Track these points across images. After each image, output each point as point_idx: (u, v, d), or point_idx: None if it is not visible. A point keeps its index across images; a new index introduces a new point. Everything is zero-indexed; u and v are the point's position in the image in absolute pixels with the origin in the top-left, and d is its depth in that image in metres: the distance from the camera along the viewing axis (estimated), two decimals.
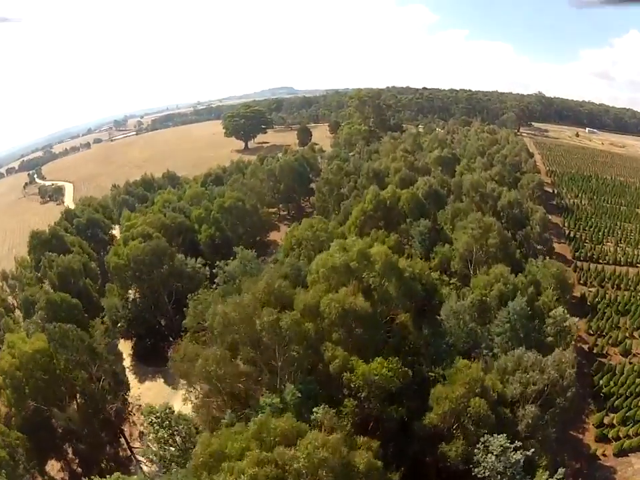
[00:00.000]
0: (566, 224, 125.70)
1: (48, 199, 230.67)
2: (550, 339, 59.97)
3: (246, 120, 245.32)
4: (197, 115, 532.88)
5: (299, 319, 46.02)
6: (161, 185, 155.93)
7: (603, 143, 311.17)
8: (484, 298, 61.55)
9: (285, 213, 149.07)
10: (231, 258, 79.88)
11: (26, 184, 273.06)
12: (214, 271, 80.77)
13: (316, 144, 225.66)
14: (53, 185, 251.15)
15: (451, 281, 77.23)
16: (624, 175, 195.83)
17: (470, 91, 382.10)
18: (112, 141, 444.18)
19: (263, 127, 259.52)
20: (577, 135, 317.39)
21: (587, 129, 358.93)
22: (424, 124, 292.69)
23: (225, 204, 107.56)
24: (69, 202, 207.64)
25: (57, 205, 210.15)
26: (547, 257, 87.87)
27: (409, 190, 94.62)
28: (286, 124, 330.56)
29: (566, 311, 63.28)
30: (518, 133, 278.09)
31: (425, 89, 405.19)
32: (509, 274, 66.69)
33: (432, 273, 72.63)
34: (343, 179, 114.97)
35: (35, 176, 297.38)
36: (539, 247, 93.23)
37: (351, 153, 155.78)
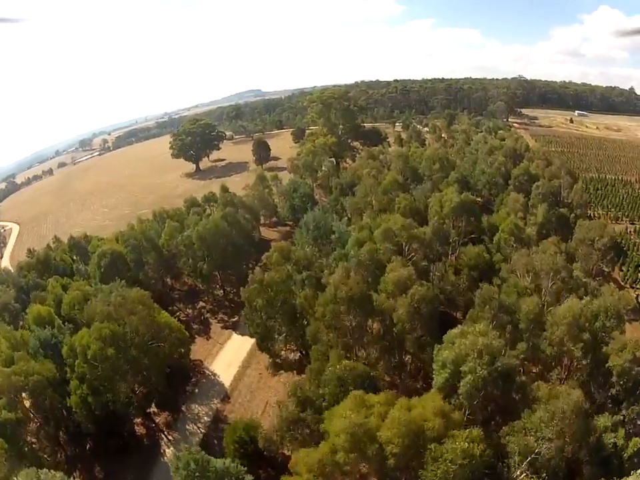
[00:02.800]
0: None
1: None
2: None
3: (193, 137, 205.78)
4: (159, 129, 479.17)
5: None
6: (64, 259, 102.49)
7: (598, 128, 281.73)
8: None
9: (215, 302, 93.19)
10: None
11: None
12: None
13: (276, 160, 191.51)
14: (3, 229, 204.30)
15: None
16: None
17: (450, 79, 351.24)
18: (74, 164, 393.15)
19: (215, 142, 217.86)
20: (571, 121, 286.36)
21: (576, 112, 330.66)
22: (401, 121, 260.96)
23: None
24: (7, 257, 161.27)
25: None
26: None
27: None
28: (246, 133, 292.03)
29: None
30: (509, 124, 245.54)
31: (396, 81, 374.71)
32: None
33: None
34: (290, 279, 66.59)
35: None
36: None
37: (318, 180, 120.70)
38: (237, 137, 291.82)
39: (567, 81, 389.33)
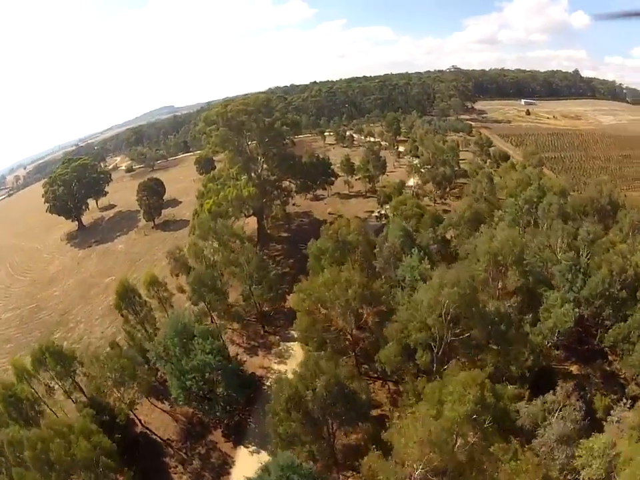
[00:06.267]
0: None
1: None
2: None
3: (68, 186, 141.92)
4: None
5: None
6: None
7: (555, 117, 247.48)
8: None
9: None
10: None
11: None
12: None
13: (175, 206, 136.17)
14: None
15: None
16: None
17: (385, 75, 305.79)
18: None
19: (98, 188, 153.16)
20: (528, 113, 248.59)
21: (522, 100, 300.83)
22: (332, 130, 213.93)
23: None
24: None
25: None
26: None
27: None
28: (147, 162, 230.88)
29: None
30: (469, 124, 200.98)
31: (314, 83, 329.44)
32: None
33: None
34: None
35: None
36: None
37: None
38: (137, 166, 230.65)
39: (504, 69, 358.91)
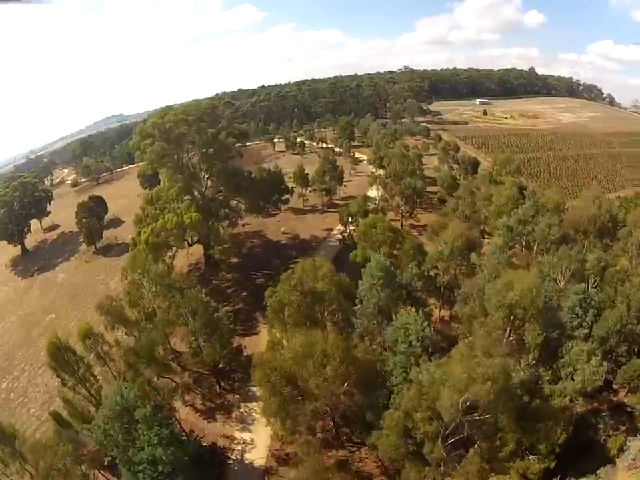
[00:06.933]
0: None
1: None
2: None
3: (9, 208, 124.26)
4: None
5: None
6: None
7: (513, 117, 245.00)
8: None
9: None
10: None
11: None
12: None
13: (117, 225, 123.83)
14: None
15: None
16: None
17: (335, 77, 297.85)
18: None
19: (40, 208, 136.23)
20: (485, 113, 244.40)
21: (477, 100, 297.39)
22: (282, 137, 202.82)
23: None
24: None
25: None
26: None
27: None
28: (91, 176, 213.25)
29: None
30: (427, 127, 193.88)
31: (263, 87, 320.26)
32: None
33: None
34: None
35: None
36: None
37: None
38: (82, 180, 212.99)
39: (457, 68, 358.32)
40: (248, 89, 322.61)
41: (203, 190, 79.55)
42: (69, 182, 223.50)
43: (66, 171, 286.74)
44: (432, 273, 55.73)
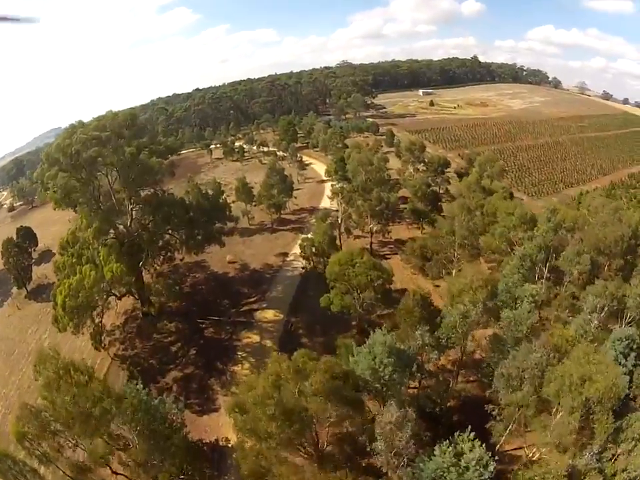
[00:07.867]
0: None
1: None
2: None
3: None
4: None
5: None
6: None
7: (460, 106, 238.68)
8: None
9: None
10: None
11: None
12: None
13: (49, 260, 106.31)
14: None
15: None
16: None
17: (271, 75, 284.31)
18: None
19: None
20: (432, 104, 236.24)
21: (421, 91, 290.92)
22: (219, 142, 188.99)
23: None
24: None
25: None
26: None
27: None
28: (25, 198, 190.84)
29: None
30: (375, 123, 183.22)
31: (197, 90, 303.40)
32: None
33: None
34: None
35: None
36: None
37: None
38: (19, 203, 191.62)
39: (397, 60, 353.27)
40: (182, 93, 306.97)
41: (129, 223, 64.43)
42: (5, 206, 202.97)
43: (5, 193, 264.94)
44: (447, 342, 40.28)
